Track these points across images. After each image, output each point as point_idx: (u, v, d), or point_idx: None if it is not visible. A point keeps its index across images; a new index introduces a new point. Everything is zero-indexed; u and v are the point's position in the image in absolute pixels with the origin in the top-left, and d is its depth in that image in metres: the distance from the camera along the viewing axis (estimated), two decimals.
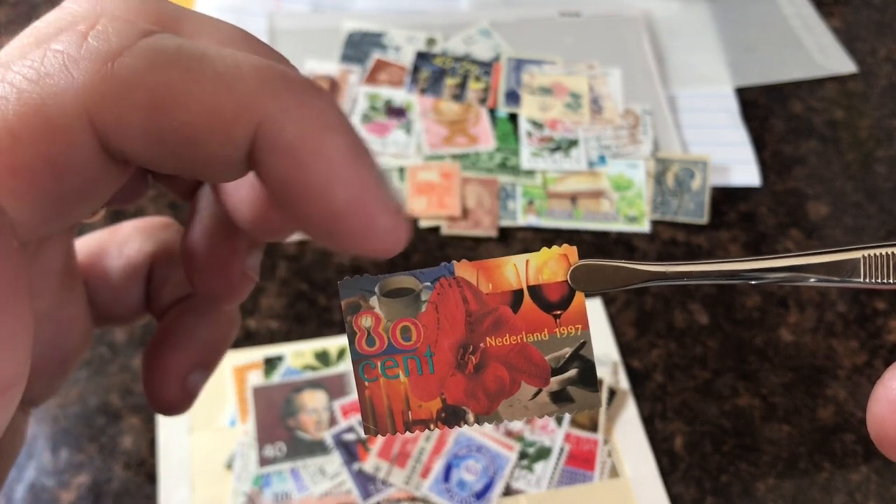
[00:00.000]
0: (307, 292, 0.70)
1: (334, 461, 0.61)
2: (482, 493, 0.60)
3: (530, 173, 0.77)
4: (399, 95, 0.82)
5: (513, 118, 0.81)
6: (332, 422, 0.62)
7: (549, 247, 0.26)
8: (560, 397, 0.27)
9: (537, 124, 0.80)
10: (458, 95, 0.82)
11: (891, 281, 0.25)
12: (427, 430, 0.26)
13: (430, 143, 0.78)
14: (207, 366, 0.35)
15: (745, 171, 0.79)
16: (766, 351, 0.68)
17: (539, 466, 0.61)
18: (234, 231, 0.31)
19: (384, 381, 0.26)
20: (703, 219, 0.75)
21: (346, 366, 0.65)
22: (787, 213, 0.77)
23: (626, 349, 0.67)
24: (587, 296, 0.27)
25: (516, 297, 0.26)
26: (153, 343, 0.34)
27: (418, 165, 0.77)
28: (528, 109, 0.82)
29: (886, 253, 0.25)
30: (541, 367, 0.27)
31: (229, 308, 0.35)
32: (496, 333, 0.26)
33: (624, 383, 0.65)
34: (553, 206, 0.75)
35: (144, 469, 0.60)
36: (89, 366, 0.64)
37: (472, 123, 0.80)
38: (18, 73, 0.23)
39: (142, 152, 0.24)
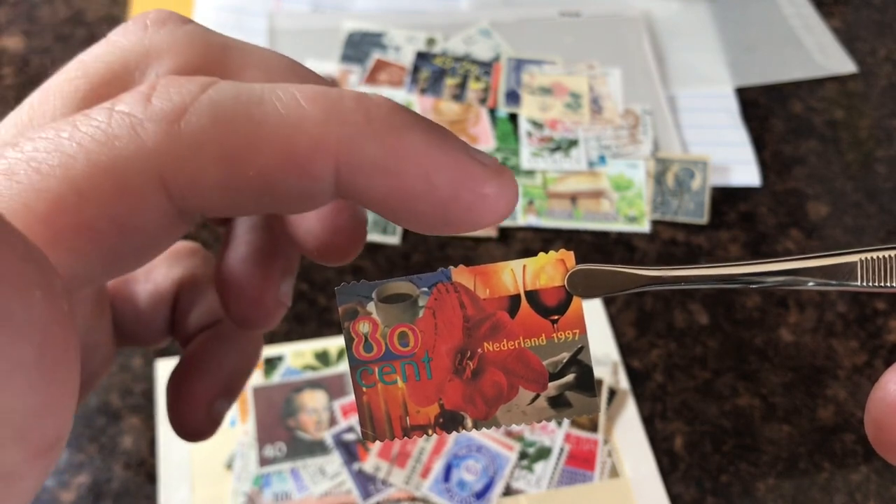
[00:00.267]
0: (307, 292, 0.70)
1: (334, 461, 0.61)
2: (482, 493, 0.60)
3: (530, 173, 0.77)
4: (399, 95, 0.82)
5: (513, 118, 0.82)
6: (332, 422, 0.62)
7: (550, 248, 0.26)
8: (558, 402, 0.27)
9: (537, 124, 0.80)
10: (458, 95, 0.82)
11: (888, 284, 0.25)
12: (425, 436, 0.26)
13: None
14: (232, 392, 0.35)
15: (745, 171, 0.79)
16: (766, 351, 0.68)
17: (539, 466, 0.61)
18: (271, 258, 0.31)
19: (382, 386, 0.27)
20: (703, 219, 0.75)
21: (345, 366, 0.64)
22: (787, 213, 0.77)
23: (626, 349, 0.67)
24: (584, 300, 0.27)
25: (514, 303, 0.26)
26: (179, 370, 0.34)
27: None
28: (528, 109, 0.82)
29: (884, 256, 0.25)
30: (538, 372, 0.27)
31: (258, 334, 0.35)
32: (494, 339, 0.26)
33: (624, 383, 0.66)
34: (553, 206, 0.75)
35: (144, 469, 0.60)
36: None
37: (472, 123, 0.80)
38: (85, 133, 0.23)
39: (219, 204, 0.24)
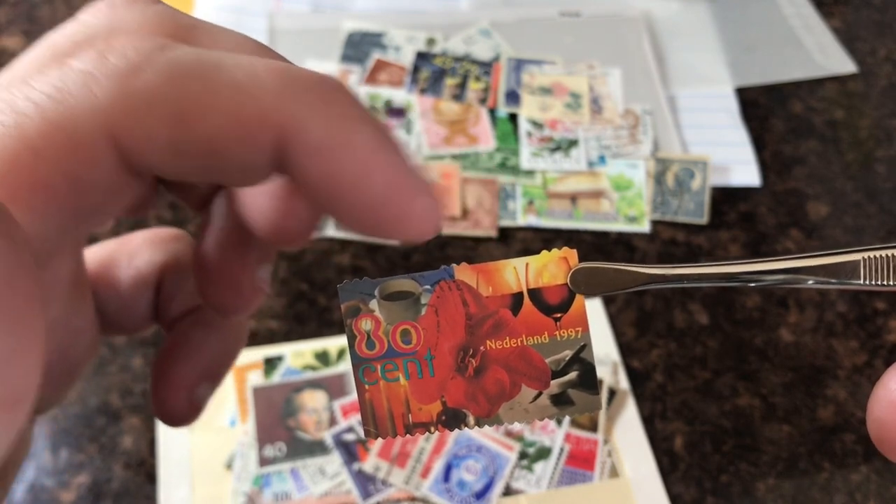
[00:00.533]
0: (307, 292, 0.70)
1: (334, 461, 0.61)
2: (482, 493, 0.60)
3: (530, 173, 0.77)
4: (399, 95, 0.82)
5: (513, 118, 0.81)
6: (332, 422, 0.62)
7: (549, 247, 0.26)
8: (560, 400, 0.27)
9: (537, 124, 0.80)
10: (458, 95, 0.82)
11: (891, 283, 0.25)
12: (427, 433, 0.26)
13: (430, 144, 0.78)
14: (215, 378, 0.35)
15: (745, 171, 0.79)
16: (766, 351, 0.68)
17: (539, 466, 0.61)
18: (246, 242, 0.31)
19: (384, 384, 0.26)
20: (703, 219, 0.75)
21: (346, 366, 0.65)
22: (787, 213, 0.77)
23: (626, 349, 0.67)
24: (587, 298, 0.27)
25: (516, 300, 0.26)
26: (161, 355, 0.34)
27: None
28: (528, 109, 0.82)
29: (887, 255, 0.25)
30: (541, 369, 0.27)
31: (238, 320, 0.35)
32: (496, 336, 0.26)
33: (624, 383, 0.66)
34: (553, 206, 0.75)
35: (144, 469, 0.60)
36: (89, 366, 0.64)
37: (471, 123, 0.80)
38: (39, 91, 0.23)
39: (167, 164, 0.24)
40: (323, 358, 0.65)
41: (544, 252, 0.26)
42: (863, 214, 0.77)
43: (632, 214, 0.75)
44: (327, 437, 0.62)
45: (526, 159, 0.78)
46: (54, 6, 0.89)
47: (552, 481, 0.61)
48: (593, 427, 0.63)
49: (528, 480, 0.61)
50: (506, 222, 0.74)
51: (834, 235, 0.76)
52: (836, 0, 0.97)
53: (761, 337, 0.69)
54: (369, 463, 0.60)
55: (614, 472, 0.61)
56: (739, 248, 0.74)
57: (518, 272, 0.26)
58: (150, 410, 0.34)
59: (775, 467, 0.63)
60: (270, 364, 0.65)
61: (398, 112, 0.81)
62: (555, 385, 0.27)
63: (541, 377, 0.27)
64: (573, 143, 0.79)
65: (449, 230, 0.73)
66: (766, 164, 0.80)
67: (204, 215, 0.33)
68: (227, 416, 0.63)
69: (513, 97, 0.83)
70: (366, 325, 0.26)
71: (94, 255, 0.35)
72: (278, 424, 0.62)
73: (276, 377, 0.64)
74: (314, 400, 0.63)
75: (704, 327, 0.69)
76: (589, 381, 0.27)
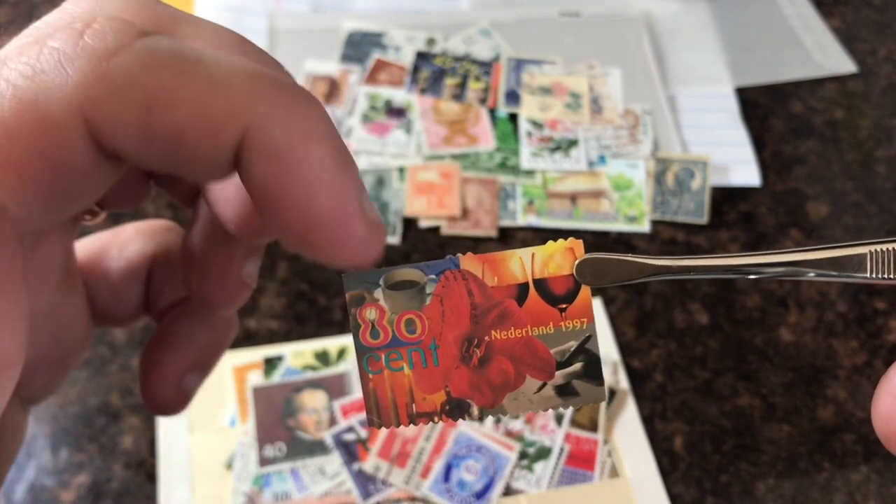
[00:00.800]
0: (307, 292, 0.70)
1: (334, 461, 0.61)
2: (482, 493, 0.60)
3: (530, 173, 0.77)
4: (399, 95, 0.82)
5: (513, 118, 0.81)
6: (332, 422, 0.62)
7: None
8: (565, 391, 0.27)
9: (537, 124, 0.80)
10: (458, 95, 0.82)
11: None
12: (431, 423, 0.26)
13: (430, 143, 0.78)
14: (203, 368, 0.35)
15: (745, 171, 0.79)
16: (766, 351, 0.68)
17: (539, 466, 0.61)
18: (232, 237, 0.31)
19: (388, 373, 0.26)
20: (703, 219, 0.75)
21: (345, 366, 0.65)
22: (787, 213, 0.77)
23: (626, 349, 0.67)
24: (593, 290, 0.27)
25: (522, 291, 0.26)
26: (150, 344, 0.34)
27: (418, 165, 0.77)
28: (528, 109, 0.82)
29: (894, 248, 0.25)
30: (546, 360, 0.27)
31: (226, 314, 0.35)
32: (501, 327, 0.26)
33: (624, 383, 0.65)
34: (553, 206, 0.75)
35: (144, 469, 0.60)
36: (89, 366, 0.64)
37: (471, 123, 0.80)
38: (14, 70, 0.23)
39: (133, 150, 0.24)
40: (323, 358, 0.65)
41: (550, 242, 0.26)
42: (863, 214, 0.77)
43: (632, 214, 0.75)
44: (327, 437, 0.61)
45: (526, 159, 0.78)
46: (54, 6, 0.89)
47: (552, 481, 0.61)
48: (593, 427, 0.63)
49: (528, 480, 0.60)
50: (506, 222, 0.74)
51: (834, 235, 0.76)
52: (836, 0, 0.97)
53: (761, 337, 0.69)
54: (369, 463, 0.60)
55: (614, 472, 0.61)
56: (739, 248, 0.74)
57: (524, 262, 0.26)
58: (142, 399, 0.34)
59: (775, 467, 0.62)
60: (270, 364, 0.65)
61: (398, 112, 0.81)
62: (559, 376, 0.27)
63: (545, 368, 0.27)
64: (573, 143, 0.79)
65: (449, 230, 0.73)
66: (766, 164, 0.80)
67: (192, 210, 0.33)
68: (227, 416, 0.62)
69: (513, 97, 0.83)
70: (370, 314, 0.26)
71: (85, 246, 0.35)
72: (278, 424, 0.62)
73: (276, 377, 0.64)
74: (314, 400, 0.63)
75: (704, 327, 0.69)
76: (594, 371, 0.27)
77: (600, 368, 0.27)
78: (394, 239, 0.73)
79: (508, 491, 0.60)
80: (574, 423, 0.63)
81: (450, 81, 0.83)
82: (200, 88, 0.23)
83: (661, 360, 0.67)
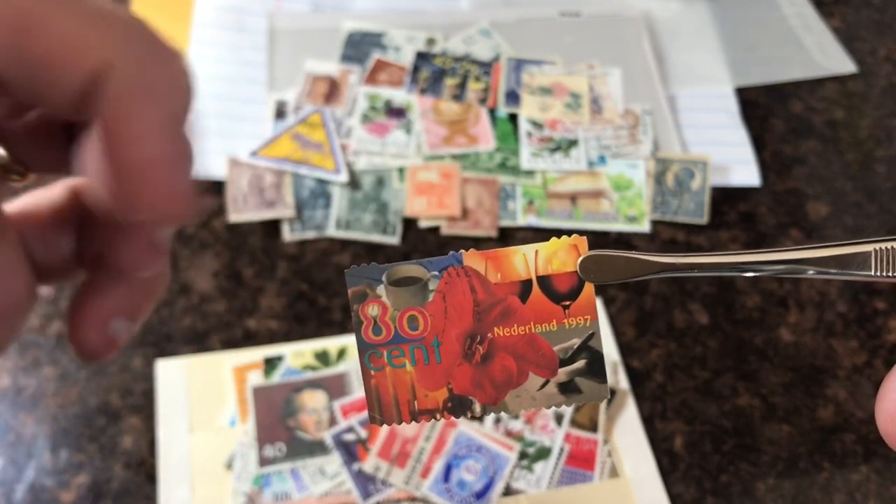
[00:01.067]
0: (307, 292, 0.70)
1: (334, 461, 0.61)
2: (482, 493, 0.59)
3: (530, 173, 0.77)
4: (399, 95, 0.82)
5: (513, 118, 0.81)
6: (332, 422, 0.62)
7: None
8: (568, 388, 0.27)
9: (537, 124, 0.80)
10: (458, 95, 0.82)
11: None
12: (433, 420, 0.26)
13: (430, 144, 0.78)
14: (132, 315, 0.35)
15: (745, 171, 0.79)
16: (766, 351, 0.68)
17: (539, 466, 0.61)
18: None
19: (390, 370, 0.26)
20: (703, 219, 0.75)
21: (345, 366, 0.65)
22: (787, 213, 0.77)
23: (626, 349, 0.67)
24: (597, 287, 0.26)
25: (525, 288, 0.26)
26: (79, 290, 0.35)
27: (418, 165, 0.77)
28: (528, 109, 0.82)
29: None
30: (549, 357, 0.27)
31: (142, 276, 0.35)
32: (504, 323, 0.26)
33: (624, 383, 0.65)
34: (553, 206, 0.75)
35: (144, 469, 0.60)
36: (89, 366, 0.64)
37: (471, 123, 0.80)
38: None
39: (2, 69, 0.26)
40: (323, 358, 0.65)
41: (554, 239, 0.26)
42: (863, 214, 0.77)
43: (632, 214, 0.75)
44: (327, 437, 0.61)
45: (526, 159, 0.78)
46: None
47: (552, 481, 0.61)
48: (593, 427, 0.63)
49: (528, 480, 0.60)
50: (506, 222, 0.74)
51: (834, 235, 0.76)
52: (836, 0, 0.97)
53: (761, 337, 0.69)
54: (369, 463, 0.60)
55: (614, 472, 0.61)
56: (739, 248, 0.74)
57: (527, 259, 0.26)
58: (70, 346, 0.34)
59: (775, 467, 0.62)
60: (270, 364, 0.65)
61: (398, 112, 0.81)
62: (562, 373, 0.27)
63: (548, 365, 0.26)
64: (573, 143, 0.79)
65: (449, 230, 0.73)
66: (766, 164, 0.80)
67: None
68: (227, 416, 0.62)
69: (513, 97, 0.83)
70: (372, 310, 0.26)
71: (18, 203, 0.35)
72: (278, 424, 0.62)
73: (276, 377, 0.64)
74: (314, 400, 0.63)
75: (704, 327, 0.69)
76: (597, 369, 0.27)
77: (603, 366, 0.27)
78: (394, 239, 0.73)
79: (508, 491, 0.60)
80: (574, 423, 0.63)
81: (450, 81, 0.83)
82: (73, 20, 0.25)
83: (661, 360, 0.67)
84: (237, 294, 0.69)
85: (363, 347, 0.26)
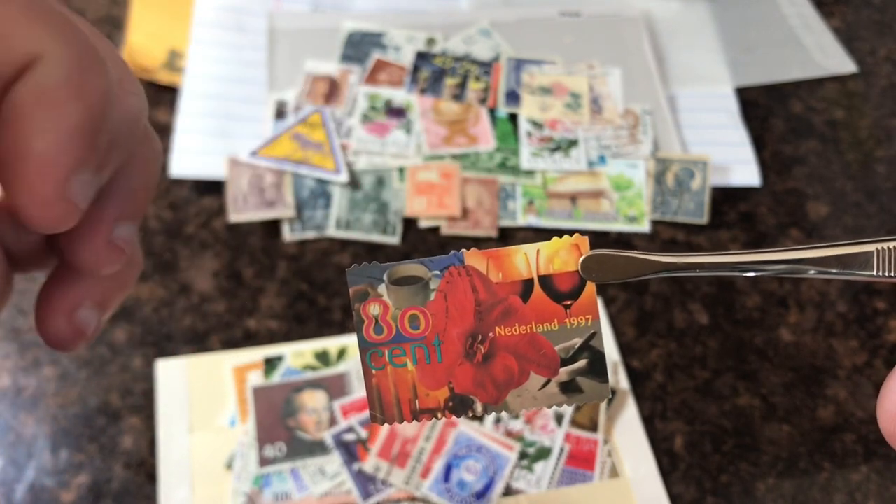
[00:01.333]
0: (307, 292, 0.70)
1: (334, 461, 0.61)
2: (482, 493, 0.59)
3: (530, 173, 0.77)
4: (399, 95, 0.82)
5: (513, 118, 0.81)
6: (332, 422, 0.62)
7: None
8: (569, 387, 0.27)
9: (537, 124, 0.80)
10: (458, 95, 0.82)
11: None
12: (434, 419, 0.26)
13: (430, 143, 0.78)
14: (102, 304, 0.35)
15: (745, 171, 0.79)
16: (766, 351, 0.68)
17: (539, 466, 0.61)
18: (102, 200, 0.32)
19: (392, 369, 0.26)
20: (703, 219, 0.75)
21: (345, 366, 0.65)
22: (787, 213, 0.77)
23: (626, 349, 0.67)
24: (598, 286, 0.26)
25: (526, 287, 0.26)
26: (48, 279, 0.35)
27: (418, 165, 0.77)
28: (528, 109, 0.82)
29: None
30: (550, 357, 0.27)
31: (103, 275, 0.35)
32: (505, 323, 0.26)
33: (624, 383, 0.65)
34: (553, 206, 0.75)
35: (144, 469, 0.60)
36: (89, 366, 0.64)
37: (471, 123, 0.80)
38: None
39: None
40: (323, 358, 0.65)
41: (555, 238, 0.26)
42: (863, 214, 0.77)
43: (632, 214, 0.75)
44: (327, 437, 0.61)
45: (526, 159, 0.78)
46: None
47: (552, 481, 0.61)
48: (593, 427, 0.63)
49: (528, 480, 0.60)
50: (506, 222, 0.74)
51: (834, 235, 0.76)
52: (837, 0, 0.97)
53: (761, 337, 0.69)
54: (369, 463, 0.60)
55: (614, 472, 0.61)
56: (739, 248, 0.74)
57: (529, 258, 0.26)
58: (39, 334, 0.34)
59: (775, 467, 0.62)
60: (270, 364, 0.65)
61: (398, 112, 0.81)
62: (564, 373, 0.27)
63: (550, 364, 0.27)
64: (573, 143, 0.79)
65: (449, 230, 0.73)
66: (766, 163, 0.80)
67: None
68: (227, 416, 0.62)
69: (513, 97, 0.83)
70: (374, 309, 0.26)
71: None
72: (278, 424, 0.62)
73: (276, 377, 0.64)
74: (314, 400, 0.63)
75: (704, 327, 0.69)
76: (598, 368, 0.27)
77: (605, 365, 0.27)
78: (394, 239, 0.73)
79: (508, 491, 0.60)
80: (574, 423, 0.63)
81: (450, 81, 0.83)
82: (14, 7, 0.26)
83: (661, 360, 0.67)
84: (237, 294, 0.69)
85: (364, 346, 0.26)
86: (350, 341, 0.66)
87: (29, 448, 0.60)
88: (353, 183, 0.76)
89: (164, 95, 0.80)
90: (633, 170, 0.78)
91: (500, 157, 0.78)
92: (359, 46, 0.86)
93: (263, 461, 0.60)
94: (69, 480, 0.59)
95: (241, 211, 0.72)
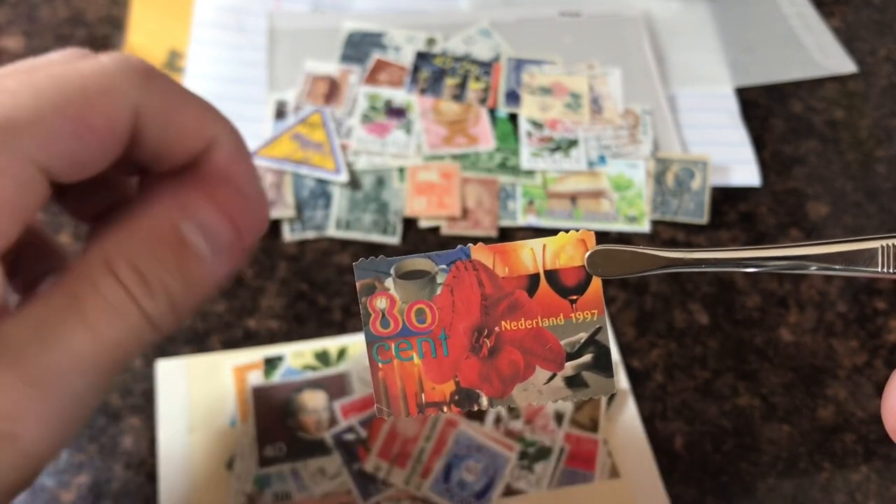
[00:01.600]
0: (307, 292, 0.69)
1: (334, 461, 0.60)
2: (482, 493, 0.59)
3: (530, 173, 0.77)
4: (399, 95, 0.82)
5: (513, 118, 0.81)
6: (332, 422, 0.62)
7: None
8: (574, 382, 0.27)
9: (537, 124, 0.80)
10: (458, 95, 0.82)
11: None
12: (440, 412, 0.26)
13: (430, 144, 0.78)
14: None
15: (745, 171, 0.79)
16: (766, 351, 0.68)
17: (539, 466, 0.61)
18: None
19: (398, 363, 0.26)
20: (703, 219, 0.75)
21: (346, 366, 0.65)
22: (787, 213, 0.77)
23: (626, 349, 0.67)
24: (604, 281, 0.26)
25: (532, 282, 0.26)
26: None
27: (418, 165, 0.77)
28: (528, 109, 0.82)
29: None
30: (556, 351, 0.27)
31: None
32: (511, 317, 0.26)
33: (624, 383, 0.65)
34: (553, 206, 0.75)
35: (144, 469, 0.60)
36: None
37: (471, 123, 0.80)
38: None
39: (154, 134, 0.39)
40: (323, 358, 0.65)
41: (562, 233, 0.26)
42: (863, 214, 0.77)
43: (632, 214, 0.75)
44: (327, 437, 0.61)
45: (526, 159, 0.78)
46: (54, 6, 0.89)
47: (552, 481, 0.61)
48: (593, 427, 0.63)
49: (528, 480, 0.60)
50: (506, 222, 0.74)
51: (834, 235, 0.76)
52: (837, 0, 0.97)
53: (761, 337, 0.69)
54: (369, 463, 0.60)
55: (614, 472, 0.61)
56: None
57: (535, 253, 0.26)
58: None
59: (775, 467, 0.62)
60: (270, 364, 0.65)
61: (398, 112, 0.81)
62: (569, 367, 0.27)
63: (555, 359, 0.27)
64: (573, 143, 0.79)
65: (449, 230, 0.73)
66: (766, 164, 0.80)
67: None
68: (227, 416, 0.62)
69: (513, 97, 0.83)
70: (381, 303, 0.26)
71: None
72: (278, 424, 0.62)
73: (276, 377, 0.64)
74: (314, 400, 0.63)
75: (704, 327, 0.69)
76: (604, 363, 0.27)
77: (610, 360, 0.27)
78: (394, 239, 0.73)
79: (508, 491, 0.60)
80: (574, 423, 0.63)
81: (450, 81, 0.83)
82: (193, 107, 0.40)
83: (661, 360, 0.67)
84: (237, 294, 0.69)
85: (371, 340, 0.26)
86: (350, 341, 0.66)
87: None
88: (353, 183, 0.76)
89: None
90: (633, 170, 0.78)
91: (500, 157, 0.78)
92: (359, 46, 0.86)
93: (263, 461, 0.60)
94: (69, 480, 0.59)
95: None
